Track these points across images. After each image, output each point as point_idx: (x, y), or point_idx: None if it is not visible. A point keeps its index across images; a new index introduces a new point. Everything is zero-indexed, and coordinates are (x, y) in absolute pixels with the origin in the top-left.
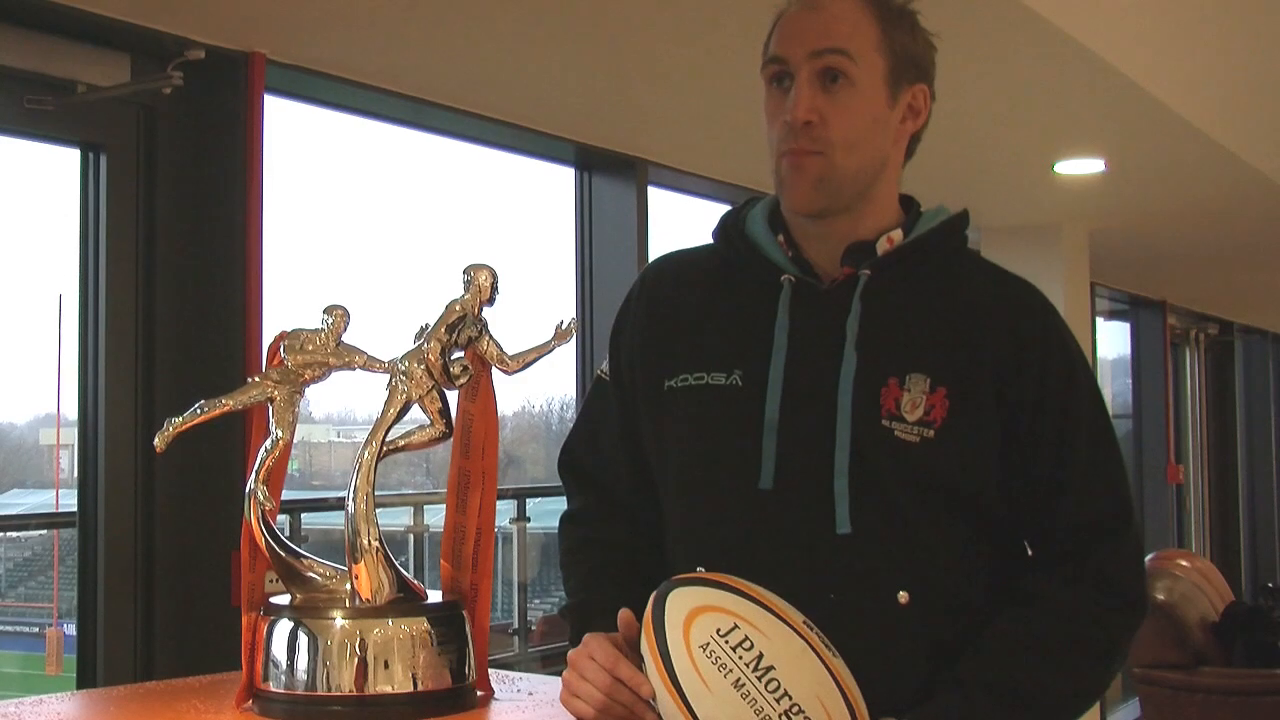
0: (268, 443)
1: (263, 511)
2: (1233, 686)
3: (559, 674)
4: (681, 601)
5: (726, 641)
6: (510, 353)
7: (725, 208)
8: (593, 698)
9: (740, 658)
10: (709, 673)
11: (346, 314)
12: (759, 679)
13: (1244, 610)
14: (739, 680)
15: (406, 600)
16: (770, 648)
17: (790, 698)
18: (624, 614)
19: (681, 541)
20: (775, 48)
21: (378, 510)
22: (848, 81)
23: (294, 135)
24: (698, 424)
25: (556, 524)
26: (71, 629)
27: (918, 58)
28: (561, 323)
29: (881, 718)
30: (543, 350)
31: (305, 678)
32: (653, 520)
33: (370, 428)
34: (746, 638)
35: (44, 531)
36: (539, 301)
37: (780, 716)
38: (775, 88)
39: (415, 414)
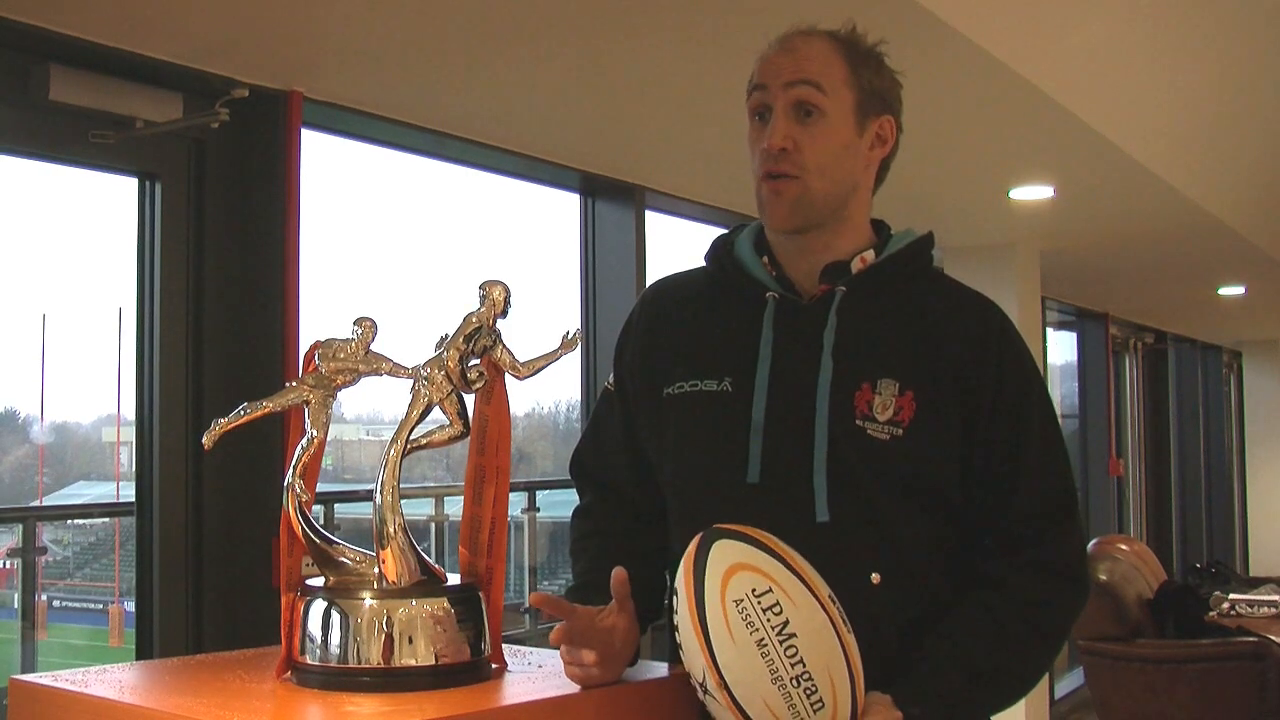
0: (304, 441)
1: (299, 502)
2: (1165, 656)
3: None
4: (724, 554)
5: (760, 603)
6: (521, 360)
7: (715, 229)
8: (587, 657)
9: (768, 620)
10: (737, 626)
11: (374, 325)
12: (780, 643)
13: (1175, 588)
14: (762, 640)
15: (428, 582)
16: (796, 616)
17: (804, 665)
18: (618, 572)
19: (681, 529)
20: (756, 79)
21: (402, 501)
22: (820, 114)
23: (328, 165)
24: (693, 426)
25: (564, 513)
26: (131, 606)
27: (884, 92)
28: (568, 333)
29: (873, 691)
30: (551, 358)
31: (338, 652)
32: (652, 510)
33: (395, 427)
34: (777, 603)
35: (106, 519)
36: (547, 314)
37: (791, 681)
38: (756, 121)
39: (436, 415)
